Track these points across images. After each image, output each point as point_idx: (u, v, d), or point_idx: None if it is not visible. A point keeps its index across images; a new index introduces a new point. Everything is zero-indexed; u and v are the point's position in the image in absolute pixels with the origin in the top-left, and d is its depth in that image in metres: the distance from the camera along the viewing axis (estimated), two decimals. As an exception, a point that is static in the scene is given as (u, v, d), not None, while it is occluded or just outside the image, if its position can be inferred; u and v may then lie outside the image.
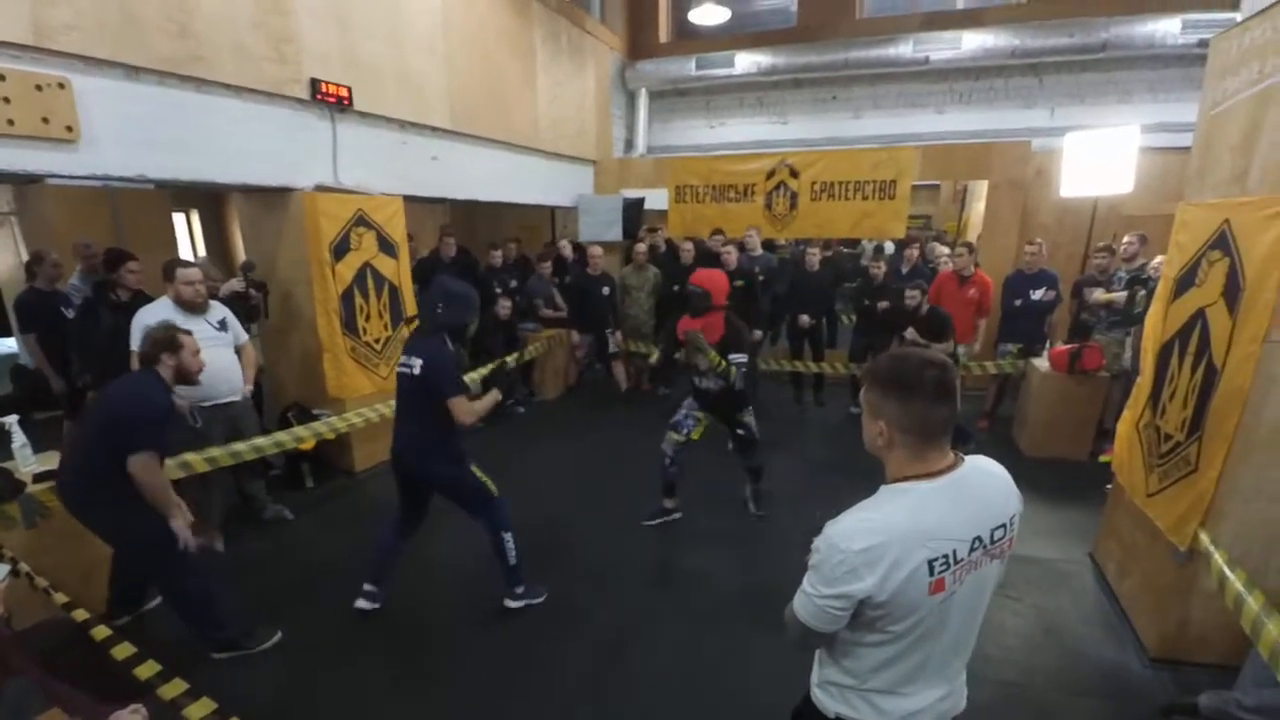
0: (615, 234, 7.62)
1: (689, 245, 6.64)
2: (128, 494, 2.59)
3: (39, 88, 3.04)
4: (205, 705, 2.13)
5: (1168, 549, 2.79)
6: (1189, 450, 2.71)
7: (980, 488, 1.27)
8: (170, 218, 7.88)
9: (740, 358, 3.64)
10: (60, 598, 2.60)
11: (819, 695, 1.42)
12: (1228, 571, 2.41)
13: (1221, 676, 2.47)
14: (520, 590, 3.30)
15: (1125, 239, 5.17)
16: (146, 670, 2.26)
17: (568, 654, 3.00)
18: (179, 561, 2.72)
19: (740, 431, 3.99)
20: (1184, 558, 2.69)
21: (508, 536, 3.23)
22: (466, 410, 2.97)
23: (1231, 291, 2.56)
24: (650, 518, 4.17)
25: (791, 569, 3.36)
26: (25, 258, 5.50)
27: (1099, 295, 5.16)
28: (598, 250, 6.68)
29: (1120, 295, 4.95)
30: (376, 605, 3.24)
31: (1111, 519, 3.56)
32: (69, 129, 3.15)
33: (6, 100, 2.93)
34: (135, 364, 3.33)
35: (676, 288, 6.54)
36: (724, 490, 4.50)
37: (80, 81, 3.20)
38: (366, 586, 3.25)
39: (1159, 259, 4.37)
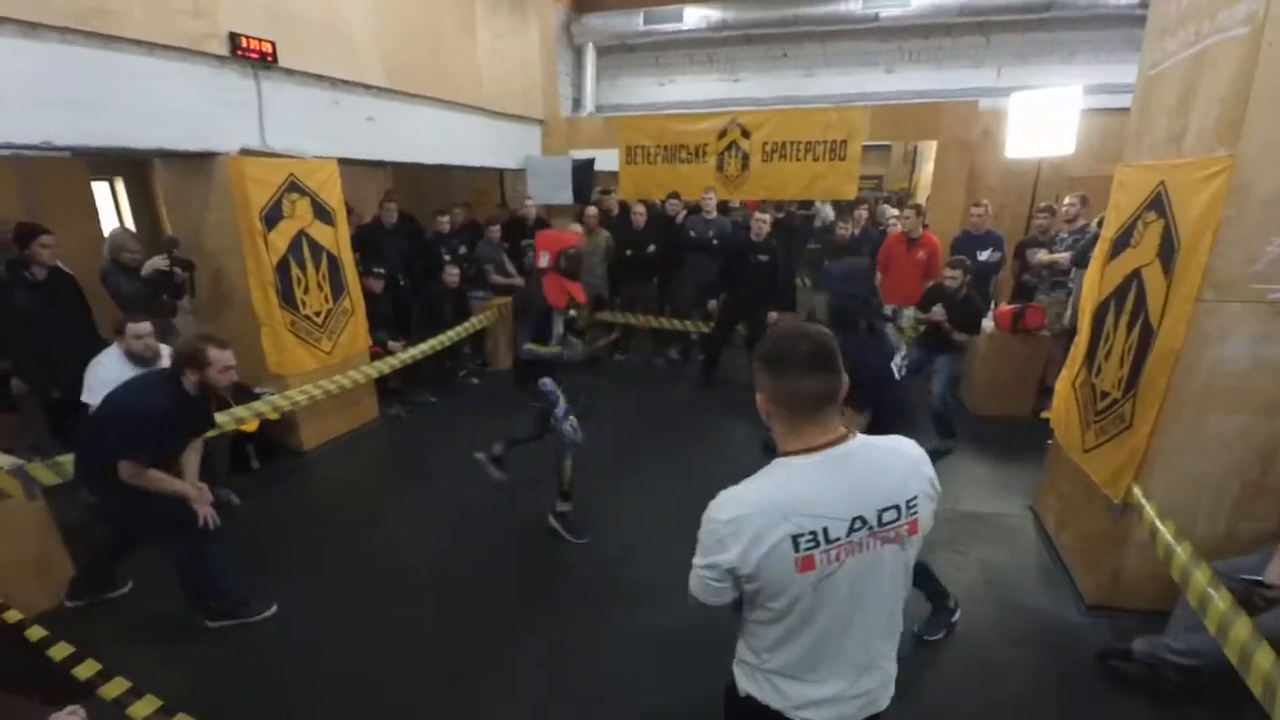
0: (565, 197, 7.44)
1: (641, 208, 6.53)
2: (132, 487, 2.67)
3: (-81, 47, 2.74)
4: (150, 703, 2.05)
5: (1104, 502, 2.92)
6: (1125, 408, 2.81)
7: (868, 467, 1.22)
8: (89, 186, 7.33)
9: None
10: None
11: (735, 671, 1.43)
12: (1159, 523, 2.54)
13: (1154, 621, 2.61)
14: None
15: (1066, 200, 5.28)
16: (86, 670, 2.16)
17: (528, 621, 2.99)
18: (200, 533, 2.82)
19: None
20: (1118, 511, 2.82)
21: None
22: None
23: (1166, 252, 2.63)
24: None
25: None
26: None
27: (1041, 256, 5.28)
28: (533, 214, 6.47)
29: (1062, 256, 5.07)
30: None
31: (1051, 474, 3.71)
32: (-42, 92, 2.86)
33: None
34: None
35: (630, 252, 6.47)
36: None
37: (-34, 39, 2.89)
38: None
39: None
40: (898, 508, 1.21)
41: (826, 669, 1.29)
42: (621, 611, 3.10)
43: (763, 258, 5.74)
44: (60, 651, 2.25)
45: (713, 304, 6.11)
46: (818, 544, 1.16)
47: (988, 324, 5.29)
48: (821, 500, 1.17)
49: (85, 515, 3.80)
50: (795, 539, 1.16)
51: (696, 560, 1.26)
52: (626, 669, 2.74)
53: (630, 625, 3.00)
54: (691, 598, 1.33)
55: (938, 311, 4.42)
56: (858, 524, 1.19)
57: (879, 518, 1.20)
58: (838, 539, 1.17)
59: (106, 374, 3.39)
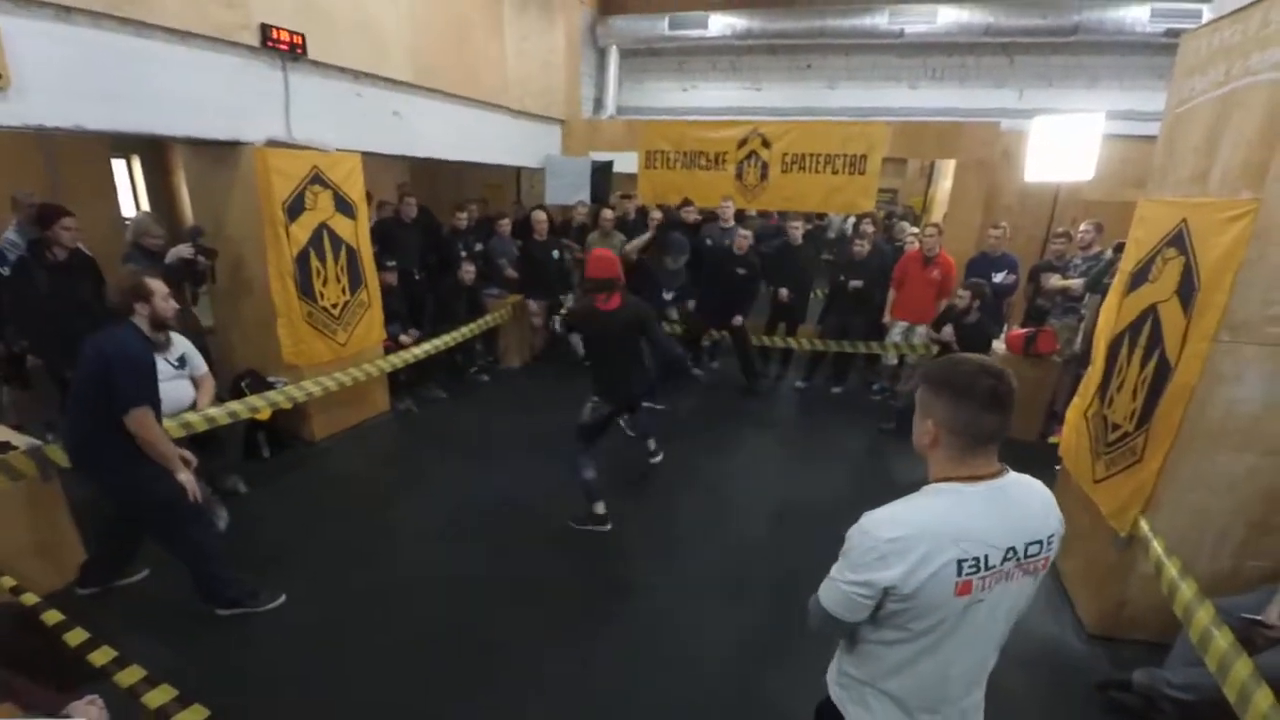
0: (583, 197, 7.47)
1: (658, 214, 6.55)
2: (130, 452, 2.61)
3: (-40, 29, 2.78)
4: (166, 692, 2.08)
5: (1110, 532, 2.94)
6: (1136, 441, 2.83)
7: (1020, 501, 1.28)
8: (110, 165, 7.40)
9: None
10: (8, 581, 2.48)
11: (837, 693, 1.46)
12: (1164, 557, 2.55)
13: (1154, 654, 2.63)
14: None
15: (1081, 227, 5.29)
16: (101, 657, 2.19)
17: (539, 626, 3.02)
18: (191, 517, 2.79)
19: None
20: (1124, 543, 2.84)
21: None
22: None
23: (1185, 290, 2.64)
24: None
25: (749, 549, 3.37)
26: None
27: (1055, 281, 5.29)
28: (542, 216, 6.50)
29: (1075, 281, 5.08)
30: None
31: (1058, 501, 3.70)
32: (-3, 75, 2.90)
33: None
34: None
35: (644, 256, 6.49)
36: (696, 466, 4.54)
37: (7, 23, 2.93)
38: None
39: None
40: (1040, 542, 1.27)
41: (939, 692, 1.34)
42: (626, 613, 3.13)
43: (741, 270, 5.93)
44: (75, 637, 2.28)
45: (691, 303, 6.49)
46: (978, 570, 1.21)
47: (999, 345, 5.30)
48: (987, 528, 1.22)
49: (96, 498, 3.87)
50: (960, 563, 1.20)
51: (843, 575, 1.27)
52: (630, 671, 2.77)
53: (635, 627, 3.04)
54: (820, 613, 1.33)
55: (947, 332, 4.49)
56: (1010, 554, 1.24)
57: (1025, 550, 1.26)
58: (994, 567, 1.23)
59: None
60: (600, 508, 3.79)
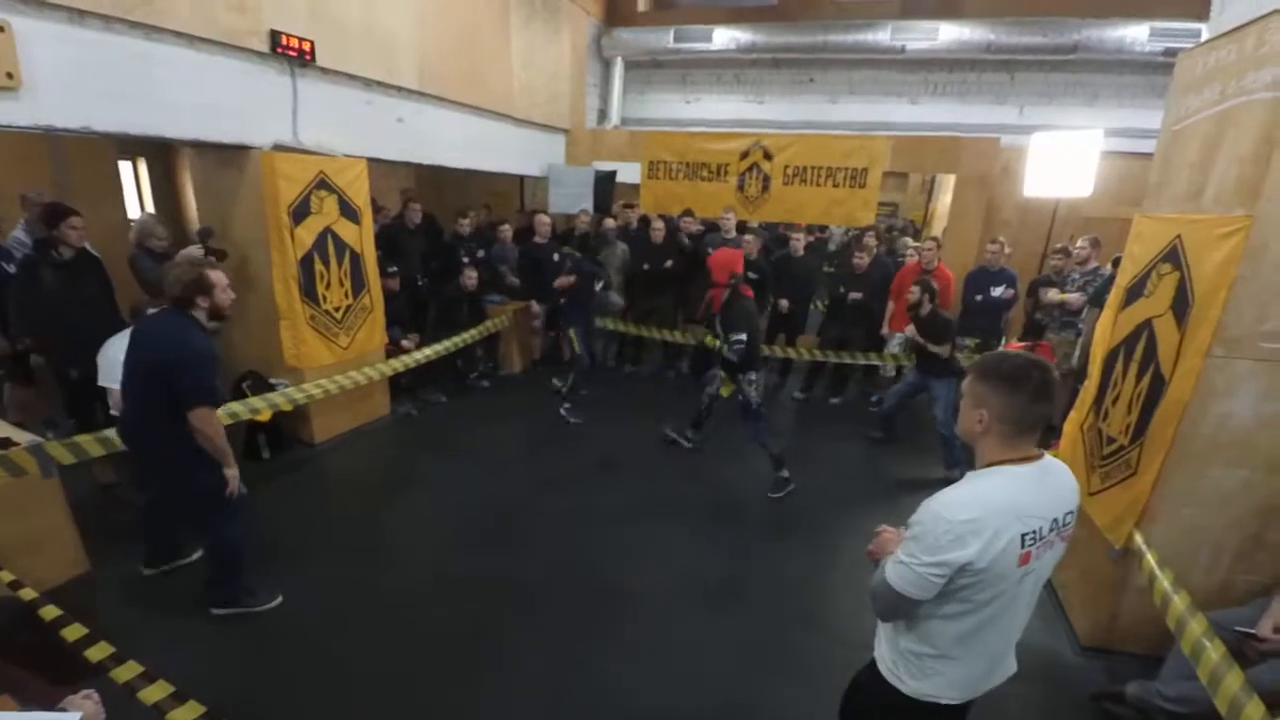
0: (586, 206, 7.51)
1: (660, 224, 6.59)
2: (185, 441, 2.67)
3: (-24, 30, 2.83)
4: (162, 688, 2.08)
5: (1104, 545, 2.95)
6: (1131, 455, 2.85)
7: (1057, 478, 1.45)
8: (117, 167, 7.46)
9: (738, 336, 4.17)
10: (6, 575, 2.49)
11: (892, 668, 1.56)
12: (1158, 571, 2.57)
13: (1147, 666, 2.64)
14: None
15: (1079, 243, 5.33)
16: (98, 652, 2.19)
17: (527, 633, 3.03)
18: (230, 511, 2.88)
19: (740, 397, 4.45)
20: (1118, 555, 2.85)
21: None
22: None
23: (1180, 305, 2.67)
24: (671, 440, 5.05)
25: (753, 554, 3.39)
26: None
27: (1053, 295, 5.32)
28: (546, 219, 6.55)
29: (1074, 296, 5.11)
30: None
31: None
32: (9, 75, 2.94)
33: (-60, 43, 2.72)
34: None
35: (647, 266, 6.53)
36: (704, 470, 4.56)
37: (21, 24, 2.98)
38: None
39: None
40: (1072, 512, 1.46)
41: (995, 652, 1.51)
42: (621, 617, 3.14)
43: (751, 276, 5.84)
44: (73, 632, 2.29)
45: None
46: (1036, 540, 1.37)
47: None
48: (1040, 503, 1.39)
49: (97, 494, 3.89)
50: (1024, 537, 1.35)
51: (917, 558, 1.37)
52: (622, 676, 2.78)
53: (630, 631, 3.04)
54: (890, 595, 1.43)
55: (910, 330, 4.83)
56: (1054, 525, 1.41)
57: (1064, 520, 1.44)
58: (1045, 537, 1.39)
59: (120, 355, 3.42)
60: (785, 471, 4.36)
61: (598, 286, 5.77)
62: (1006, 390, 1.38)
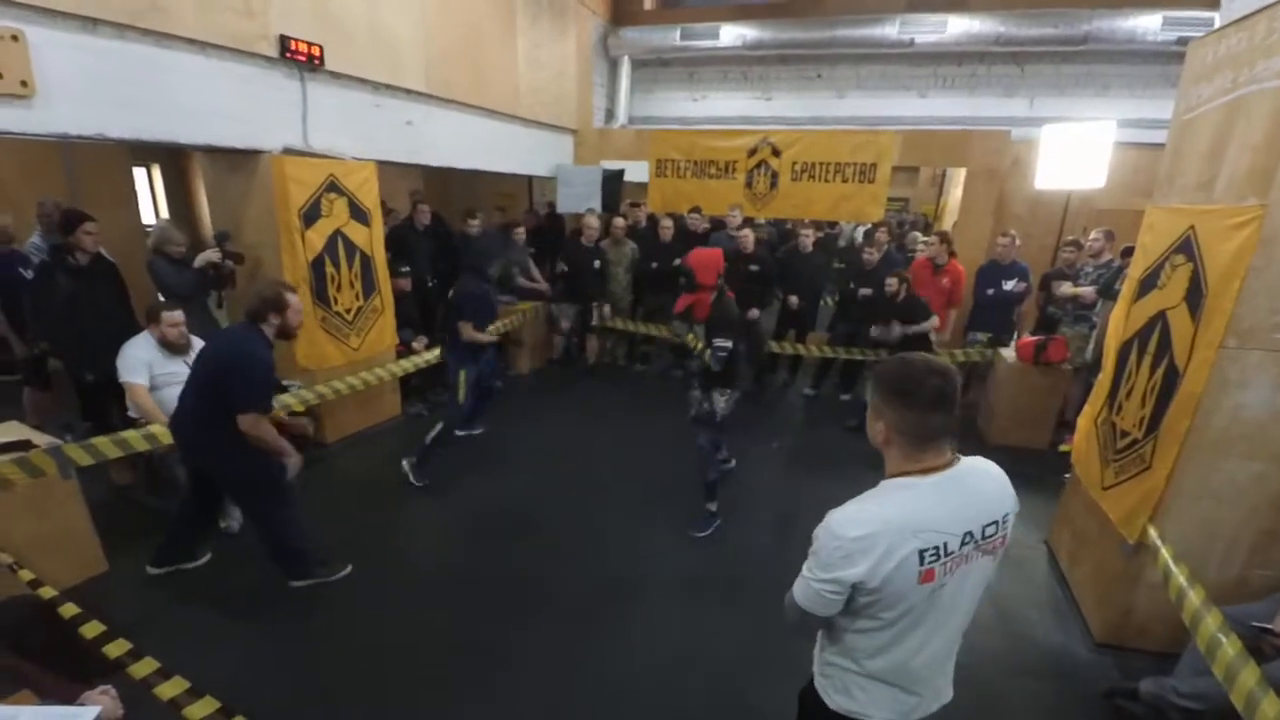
0: (594, 205, 7.53)
1: (669, 222, 6.59)
2: (236, 440, 2.79)
3: (-9, 39, 2.87)
4: (178, 684, 2.12)
5: (1118, 539, 2.92)
6: (1145, 448, 2.82)
7: (974, 486, 1.34)
8: (130, 173, 7.54)
9: (723, 342, 3.65)
10: (25, 574, 2.54)
11: (820, 681, 1.51)
12: (1172, 566, 2.54)
13: (1161, 663, 2.61)
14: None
15: (1091, 235, 5.27)
16: (116, 649, 2.23)
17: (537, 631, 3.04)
18: (290, 499, 3.10)
19: (705, 405, 3.94)
20: (1132, 550, 2.82)
21: None
22: None
23: (1194, 296, 2.64)
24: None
25: (756, 552, 3.40)
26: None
27: (1066, 289, 5.27)
28: (593, 221, 6.56)
29: (1086, 289, 5.06)
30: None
31: (1067, 508, 3.70)
32: (23, 84, 2.98)
33: (-45, 53, 2.76)
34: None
35: (655, 265, 6.53)
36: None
37: (35, 33, 3.02)
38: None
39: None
40: (996, 523, 1.34)
41: (915, 672, 1.41)
42: (625, 615, 3.15)
43: (753, 268, 5.98)
44: (92, 630, 2.33)
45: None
46: (939, 557, 1.27)
47: (1010, 354, 5.28)
48: (942, 517, 1.28)
49: (111, 496, 3.95)
50: (922, 554, 1.25)
51: (814, 574, 1.32)
52: (625, 673, 2.79)
53: (634, 630, 3.05)
54: (795, 609, 1.39)
55: (897, 326, 4.98)
56: (967, 538, 1.30)
57: (983, 532, 1.32)
58: (953, 552, 1.28)
59: (139, 352, 3.52)
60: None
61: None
62: (900, 402, 1.29)
